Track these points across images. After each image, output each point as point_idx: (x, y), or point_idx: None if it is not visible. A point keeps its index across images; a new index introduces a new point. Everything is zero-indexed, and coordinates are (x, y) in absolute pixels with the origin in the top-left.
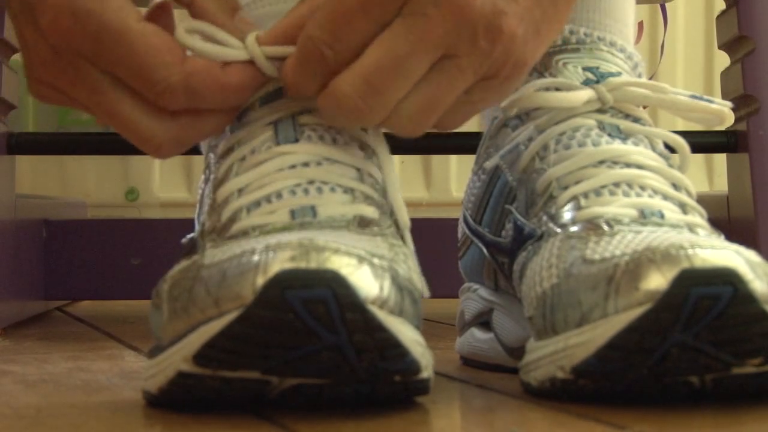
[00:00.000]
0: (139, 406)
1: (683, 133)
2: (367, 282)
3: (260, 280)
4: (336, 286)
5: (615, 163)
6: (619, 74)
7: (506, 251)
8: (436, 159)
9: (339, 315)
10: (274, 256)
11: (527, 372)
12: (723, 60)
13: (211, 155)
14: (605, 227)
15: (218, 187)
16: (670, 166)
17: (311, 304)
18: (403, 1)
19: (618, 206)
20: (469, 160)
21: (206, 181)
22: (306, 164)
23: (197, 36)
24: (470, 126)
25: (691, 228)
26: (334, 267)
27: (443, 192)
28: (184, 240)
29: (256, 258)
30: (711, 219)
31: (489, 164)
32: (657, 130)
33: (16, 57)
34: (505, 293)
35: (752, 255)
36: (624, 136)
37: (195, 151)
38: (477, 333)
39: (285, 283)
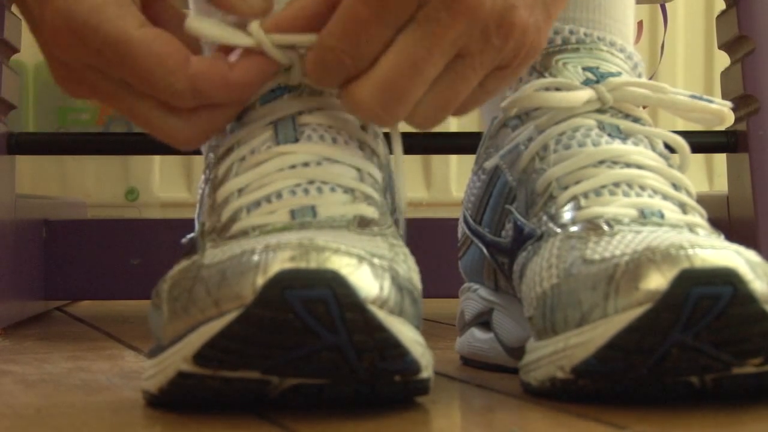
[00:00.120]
0: (139, 406)
1: (683, 133)
2: (367, 282)
3: (260, 280)
4: (336, 286)
5: (615, 163)
6: (619, 74)
7: (506, 251)
8: (436, 159)
9: (339, 315)
10: (274, 256)
11: (527, 372)
12: (723, 60)
13: (211, 155)
14: (605, 227)
15: (218, 187)
16: (670, 166)
17: (311, 304)
18: (417, 7)
19: (618, 206)
20: (469, 160)
21: (206, 181)
22: (306, 164)
23: (206, 22)
24: (470, 126)
25: (691, 228)
26: (334, 267)
27: (443, 192)
28: (184, 240)
29: (256, 258)
30: (711, 219)
31: (489, 164)
32: (657, 130)
33: (16, 57)
34: (505, 293)
35: (752, 255)
36: (624, 136)
37: (195, 151)
38: (477, 333)
39: (285, 283)
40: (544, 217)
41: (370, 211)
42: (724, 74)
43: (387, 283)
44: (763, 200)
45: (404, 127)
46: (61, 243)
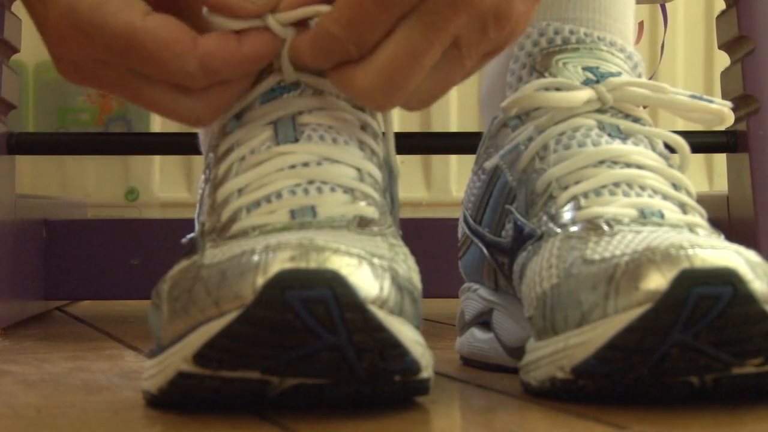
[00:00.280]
0: (139, 406)
1: (683, 133)
2: (367, 282)
3: (260, 280)
4: (336, 286)
5: (615, 163)
6: (619, 74)
7: (506, 251)
8: (436, 159)
9: (339, 315)
10: (274, 256)
11: (527, 372)
12: (723, 60)
13: (211, 155)
14: (605, 227)
15: (218, 187)
16: (670, 166)
17: (311, 304)
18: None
19: (618, 206)
20: (469, 160)
21: (206, 181)
22: (306, 164)
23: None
24: (470, 126)
25: (691, 228)
26: (334, 267)
27: (443, 192)
28: (184, 240)
29: (256, 258)
30: (711, 219)
31: (489, 164)
32: (657, 130)
33: (16, 57)
34: (505, 293)
35: (752, 255)
36: (624, 136)
37: (195, 151)
38: (477, 333)
39: (285, 283)
40: (544, 217)
41: (370, 211)
42: (724, 74)
43: (387, 283)
44: (763, 200)
45: (404, 127)
46: (61, 243)
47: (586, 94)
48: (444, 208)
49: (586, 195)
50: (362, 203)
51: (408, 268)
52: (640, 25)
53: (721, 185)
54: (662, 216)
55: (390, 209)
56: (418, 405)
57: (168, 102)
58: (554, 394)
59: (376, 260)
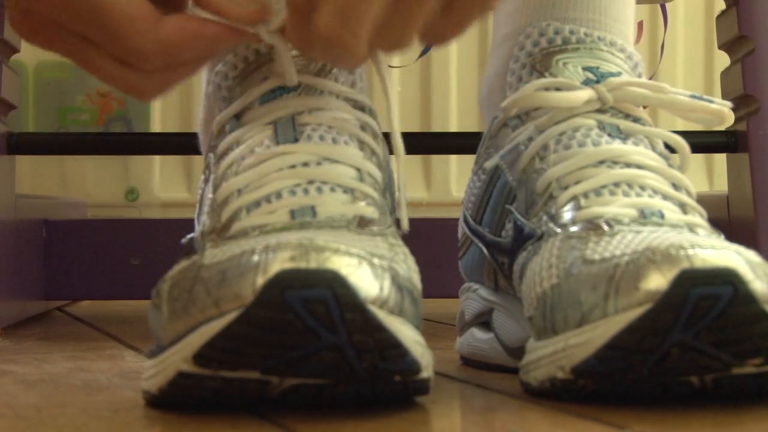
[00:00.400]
0: (139, 406)
1: (683, 133)
2: (367, 282)
3: (260, 280)
4: (336, 286)
5: (615, 163)
6: (619, 74)
7: (506, 251)
8: (436, 159)
9: (339, 315)
10: (274, 256)
11: (527, 372)
12: (723, 60)
13: (211, 155)
14: (605, 227)
15: (218, 187)
16: (670, 166)
17: (311, 304)
18: None
19: (618, 206)
20: (469, 160)
21: (206, 181)
22: (306, 164)
23: None
24: (470, 126)
25: (691, 228)
26: (334, 267)
27: (443, 192)
28: (184, 240)
29: (255, 258)
30: (711, 219)
31: (489, 164)
32: (657, 130)
33: (16, 57)
34: (505, 293)
35: (752, 255)
36: (624, 136)
37: (195, 151)
38: (477, 333)
39: (285, 283)
40: (544, 217)
41: (370, 211)
42: (724, 74)
43: (387, 283)
44: (763, 200)
45: (404, 127)
46: (61, 243)
47: (586, 94)
48: (444, 208)
49: (586, 195)
50: (362, 203)
51: (408, 268)
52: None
53: (721, 185)
54: (662, 216)
55: (390, 209)
56: (418, 405)
57: (116, 73)
58: (554, 394)
59: (376, 260)
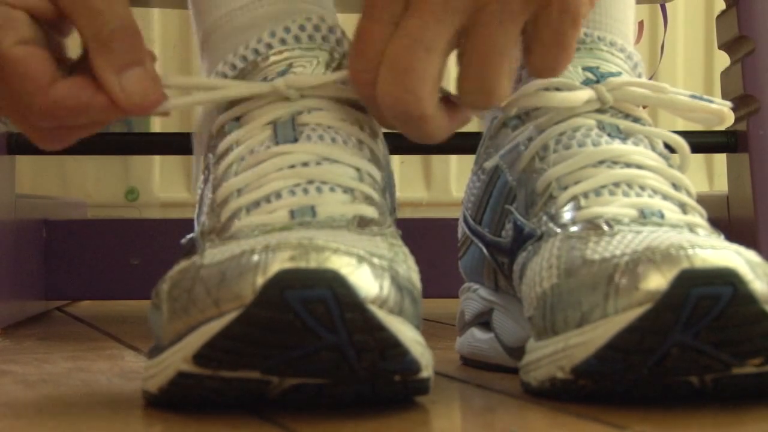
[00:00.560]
0: (139, 406)
1: (683, 133)
2: (366, 282)
3: (260, 280)
4: (336, 285)
5: (615, 163)
6: (619, 74)
7: (506, 251)
8: (436, 159)
9: (339, 315)
10: (274, 256)
11: (527, 372)
12: (723, 60)
13: (210, 155)
14: (605, 227)
15: (217, 187)
16: (670, 166)
17: (311, 304)
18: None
19: (618, 206)
20: (469, 160)
21: (206, 181)
22: (305, 164)
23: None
24: (470, 126)
25: (691, 228)
26: (334, 267)
27: (443, 192)
28: (183, 240)
29: (255, 258)
30: (711, 219)
31: (489, 164)
32: (657, 130)
33: None
34: (505, 293)
35: (752, 255)
36: (624, 136)
37: None
38: (477, 333)
39: (285, 283)
40: (544, 217)
41: (370, 211)
42: (724, 74)
43: (387, 283)
44: (763, 200)
45: None
46: (61, 243)
47: (586, 94)
48: (444, 208)
49: (586, 195)
50: (362, 203)
51: (408, 268)
52: (640, 25)
53: (721, 185)
54: (662, 216)
55: (390, 209)
56: (418, 405)
57: (17, 123)
58: (554, 394)
59: (375, 260)
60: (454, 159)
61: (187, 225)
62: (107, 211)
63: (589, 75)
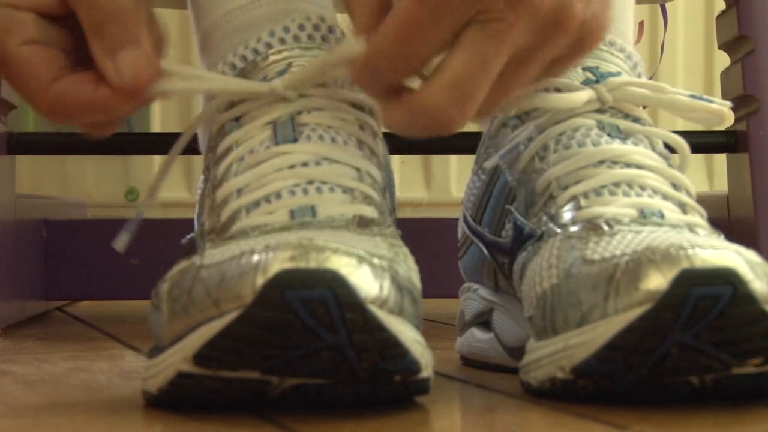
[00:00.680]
0: (139, 406)
1: (683, 133)
2: (366, 282)
3: (260, 280)
4: (336, 286)
5: (615, 163)
6: (618, 74)
7: (506, 251)
8: (436, 159)
9: (339, 315)
10: (274, 256)
11: (527, 372)
12: (723, 60)
13: (210, 155)
14: (605, 227)
15: (217, 188)
16: (670, 166)
17: (311, 304)
18: (476, 11)
19: (618, 206)
20: (469, 160)
21: (205, 181)
22: (305, 164)
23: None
24: (470, 126)
25: (691, 228)
26: (334, 267)
27: (443, 192)
28: (183, 240)
29: (255, 258)
30: (711, 219)
31: (489, 164)
32: (657, 130)
33: None
34: (505, 293)
35: (752, 255)
36: (624, 136)
37: (195, 151)
38: (477, 333)
39: (285, 283)
40: (544, 217)
41: (370, 211)
42: (724, 74)
43: (387, 283)
44: (763, 200)
45: None
46: (61, 243)
47: (585, 94)
48: (444, 208)
49: (586, 195)
50: (362, 203)
51: (408, 268)
52: (640, 25)
53: (721, 185)
54: (662, 216)
55: (390, 209)
56: (418, 405)
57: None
58: (554, 394)
59: (375, 260)
60: (454, 159)
61: (187, 225)
62: (107, 211)
63: (589, 75)
